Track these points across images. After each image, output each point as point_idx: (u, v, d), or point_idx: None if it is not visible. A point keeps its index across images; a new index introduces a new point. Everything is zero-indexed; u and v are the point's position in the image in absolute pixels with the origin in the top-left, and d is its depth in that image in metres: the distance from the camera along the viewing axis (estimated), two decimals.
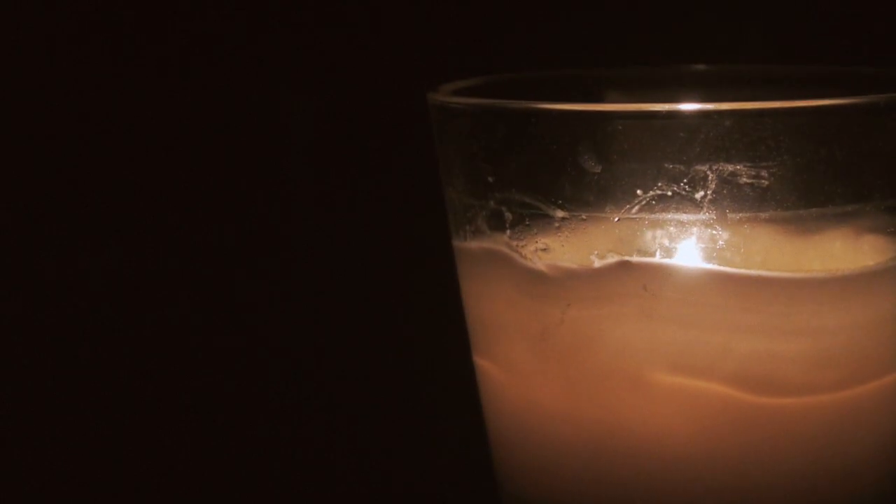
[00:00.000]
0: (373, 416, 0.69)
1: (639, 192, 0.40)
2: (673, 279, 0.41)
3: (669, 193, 0.40)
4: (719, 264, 0.41)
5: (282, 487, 0.69)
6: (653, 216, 0.41)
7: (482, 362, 0.45)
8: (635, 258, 0.41)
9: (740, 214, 0.40)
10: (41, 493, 0.68)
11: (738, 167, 0.40)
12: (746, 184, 0.40)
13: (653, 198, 0.40)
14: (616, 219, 0.41)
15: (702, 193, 0.40)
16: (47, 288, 0.69)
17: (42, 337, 0.69)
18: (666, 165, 0.40)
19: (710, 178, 0.40)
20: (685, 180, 0.40)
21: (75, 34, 0.68)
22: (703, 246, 0.41)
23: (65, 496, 0.68)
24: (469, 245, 0.44)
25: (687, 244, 0.41)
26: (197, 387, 0.70)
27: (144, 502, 0.68)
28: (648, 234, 0.41)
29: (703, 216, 0.40)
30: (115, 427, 0.69)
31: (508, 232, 0.43)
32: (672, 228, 0.41)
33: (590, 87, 0.51)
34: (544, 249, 0.42)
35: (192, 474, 0.69)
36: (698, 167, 0.40)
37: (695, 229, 0.41)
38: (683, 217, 0.40)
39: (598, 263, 0.41)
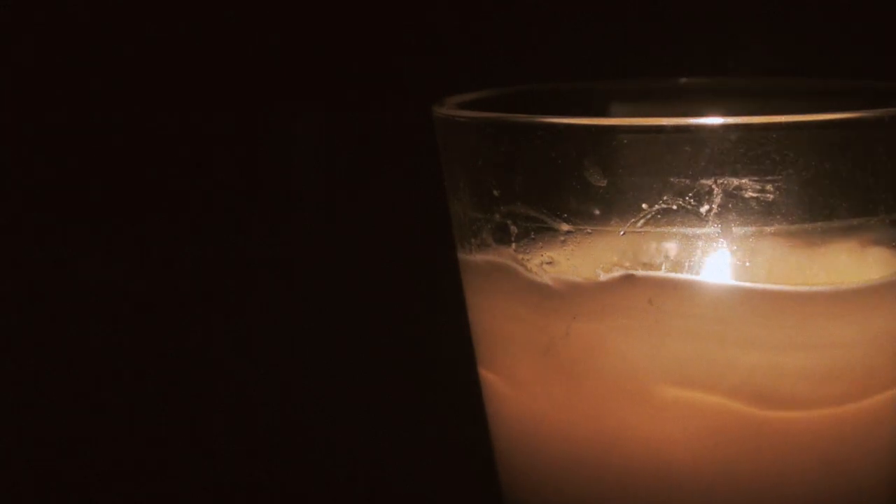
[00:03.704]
0: (378, 426, 0.70)
1: (644, 205, 0.40)
2: (678, 293, 0.41)
3: (675, 207, 0.40)
4: (724, 278, 0.41)
5: (285, 492, 0.69)
6: (658, 230, 0.41)
7: (487, 375, 0.45)
8: (640, 272, 0.41)
9: (746, 228, 0.40)
10: (41, 494, 0.68)
11: (744, 181, 0.40)
12: (752, 197, 0.40)
13: (658, 211, 0.40)
14: (621, 232, 0.41)
15: (707, 207, 0.40)
16: (49, 292, 0.69)
17: (43, 342, 0.69)
18: (671, 179, 0.40)
19: (715, 191, 0.40)
20: (690, 194, 0.40)
21: (80, 37, 0.68)
22: (708, 260, 0.41)
23: (64, 497, 0.68)
24: (474, 258, 0.44)
25: (692, 258, 0.41)
26: (200, 390, 0.70)
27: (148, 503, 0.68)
28: (654, 248, 0.41)
29: (708, 230, 0.40)
30: (121, 431, 0.69)
31: (514, 245, 0.43)
32: (677, 242, 0.41)
33: (595, 100, 0.51)
34: (550, 263, 0.42)
35: (194, 475, 0.69)
36: (704, 181, 0.40)
37: (700, 243, 0.41)
38: (689, 231, 0.40)
39: (603, 277, 0.41)
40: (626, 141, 0.40)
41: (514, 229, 0.42)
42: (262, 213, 0.71)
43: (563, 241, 0.42)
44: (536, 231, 0.42)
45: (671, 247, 0.41)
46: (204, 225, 0.70)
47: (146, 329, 0.70)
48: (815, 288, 0.41)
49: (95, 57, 0.68)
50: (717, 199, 0.40)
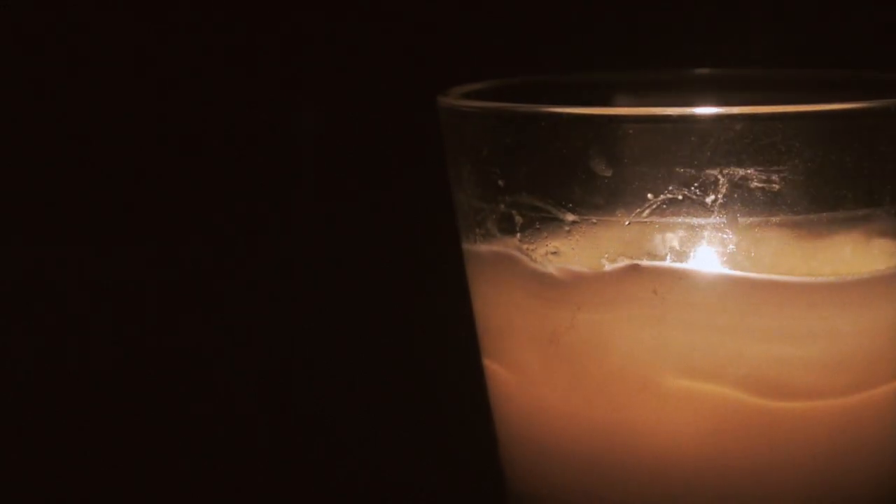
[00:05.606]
0: (380, 417, 0.69)
1: (649, 195, 0.40)
2: (683, 283, 0.40)
3: (680, 197, 0.40)
4: (729, 268, 0.41)
5: (287, 490, 0.69)
6: (663, 220, 0.41)
7: (491, 365, 0.45)
8: (645, 262, 0.41)
9: (751, 218, 0.40)
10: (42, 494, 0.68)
11: (749, 171, 0.40)
12: (757, 188, 0.40)
13: (663, 202, 0.40)
14: (627, 222, 0.41)
15: (712, 197, 0.40)
16: (51, 290, 0.69)
17: (43, 342, 0.69)
18: (677, 169, 0.40)
19: (720, 182, 0.40)
20: (696, 184, 0.40)
21: (80, 36, 0.68)
22: (713, 250, 0.41)
23: (64, 497, 0.68)
24: (479, 248, 0.44)
25: (697, 248, 0.41)
26: (199, 389, 0.70)
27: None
28: (658, 238, 0.41)
29: (713, 220, 0.40)
30: (120, 430, 0.69)
31: (519, 235, 0.42)
32: (682, 232, 0.41)
33: (600, 90, 0.51)
34: (554, 253, 0.42)
35: (193, 475, 0.69)
36: (709, 171, 0.40)
37: (705, 233, 0.41)
38: (694, 221, 0.40)
39: (608, 267, 0.41)
40: (631, 131, 0.40)
41: (518, 219, 0.42)
42: (262, 212, 0.71)
43: (568, 232, 0.42)
44: (541, 221, 0.42)
45: (676, 237, 0.41)
46: (204, 225, 0.70)
47: (145, 329, 0.70)
48: (820, 279, 0.41)
49: (95, 56, 0.68)
50: (723, 190, 0.40)
